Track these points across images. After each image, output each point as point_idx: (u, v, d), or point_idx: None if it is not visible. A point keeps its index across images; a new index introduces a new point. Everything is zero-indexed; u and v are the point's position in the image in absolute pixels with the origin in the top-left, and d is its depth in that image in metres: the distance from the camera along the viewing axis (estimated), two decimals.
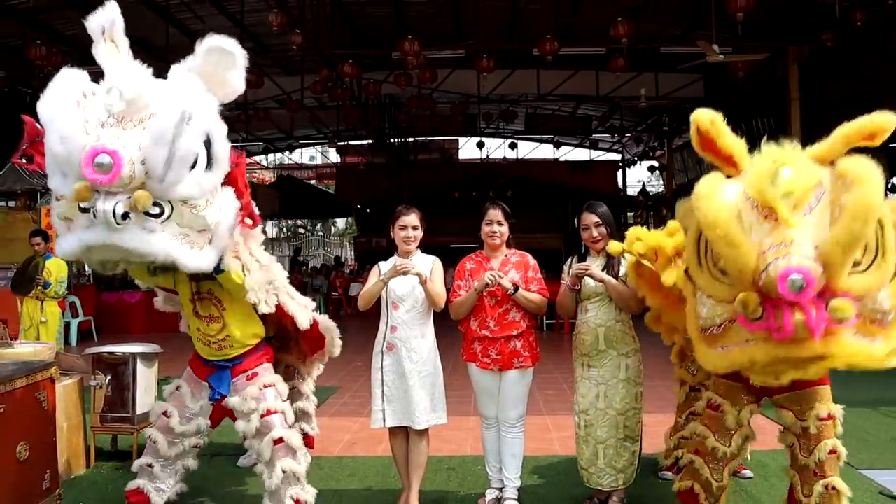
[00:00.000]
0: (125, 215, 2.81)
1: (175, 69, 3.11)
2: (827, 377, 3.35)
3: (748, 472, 4.60)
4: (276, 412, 3.80)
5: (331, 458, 5.18)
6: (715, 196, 2.64)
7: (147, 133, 2.83)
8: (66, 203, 2.97)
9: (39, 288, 7.03)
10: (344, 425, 6.13)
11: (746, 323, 2.62)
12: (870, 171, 2.48)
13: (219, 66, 3.15)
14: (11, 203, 11.91)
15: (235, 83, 3.22)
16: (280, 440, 3.75)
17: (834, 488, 3.26)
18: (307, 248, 32.59)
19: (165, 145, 2.80)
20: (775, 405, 3.43)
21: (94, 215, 2.83)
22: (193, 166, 2.94)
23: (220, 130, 3.12)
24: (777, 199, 2.51)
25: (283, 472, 3.71)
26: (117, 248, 2.92)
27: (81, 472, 4.87)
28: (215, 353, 3.83)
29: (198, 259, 3.09)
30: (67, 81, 2.95)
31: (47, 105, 2.90)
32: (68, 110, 2.84)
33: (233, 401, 3.82)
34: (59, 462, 4.41)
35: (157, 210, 2.89)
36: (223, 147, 3.12)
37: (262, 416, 3.75)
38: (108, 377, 4.90)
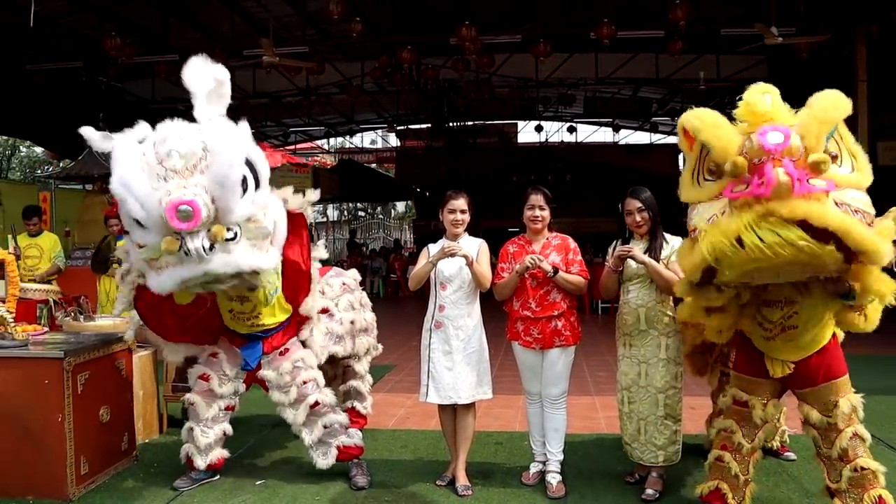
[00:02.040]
0: (211, 247, 3.32)
1: (202, 117, 3.52)
2: (844, 365, 3.44)
3: (791, 455, 4.65)
4: (310, 381, 4.17)
5: (385, 430, 5.45)
6: (706, 110, 3.04)
7: (209, 177, 3.32)
8: (151, 250, 3.47)
9: (116, 266, 7.49)
10: (399, 401, 6.40)
11: (732, 194, 2.84)
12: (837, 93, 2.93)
13: (215, 89, 3.56)
14: (89, 186, 12.54)
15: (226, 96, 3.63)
16: (316, 404, 4.13)
17: (864, 468, 3.30)
18: (367, 231, 33.04)
19: (227, 184, 3.31)
20: (799, 399, 3.49)
21: (186, 253, 3.30)
22: (246, 190, 3.40)
23: (257, 153, 3.54)
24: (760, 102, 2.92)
25: (325, 426, 4.13)
26: (209, 274, 3.42)
27: (155, 437, 5.26)
28: (250, 327, 4.16)
29: (268, 260, 3.64)
30: (128, 152, 3.39)
31: (118, 178, 3.34)
32: (137, 178, 3.31)
33: (269, 374, 4.17)
34: (136, 427, 4.81)
35: (231, 234, 3.37)
36: (264, 166, 3.56)
37: (298, 386, 4.12)
38: None
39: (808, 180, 2.69)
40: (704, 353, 4.27)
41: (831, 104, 2.88)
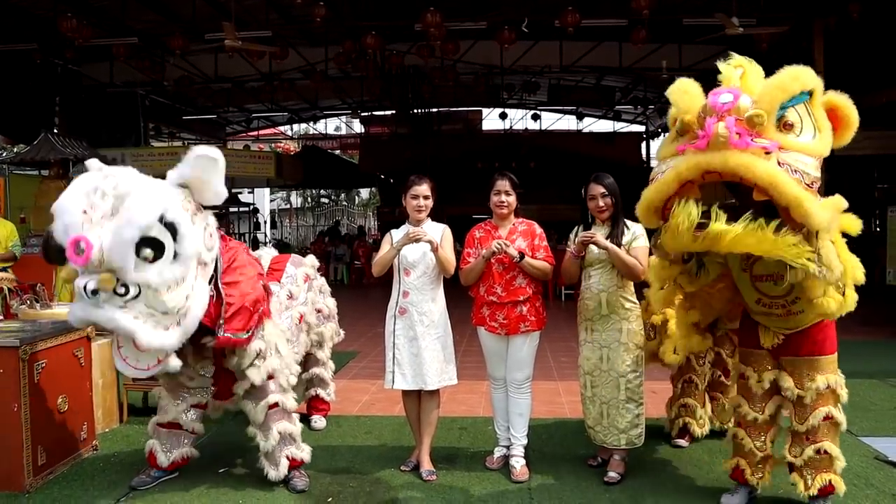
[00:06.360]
0: (94, 292, 3.23)
1: (168, 175, 3.50)
2: (833, 346, 3.48)
3: None
4: (272, 377, 4.04)
5: (349, 417, 5.45)
6: (684, 79, 3.24)
7: (109, 229, 3.26)
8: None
9: None
10: (363, 387, 6.40)
11: (680, 146, 3.00)
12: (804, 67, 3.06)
13: (204, 171, 3.48)
14: (45, 172, 12.22)
15: (218, 187, 3.54)
16: (275, 405, 4.01)
17: (826, 452, 3.38)
18: (330, 218, 32.81)
19: (122, 242, 3.22)
20: (780, 369, 3.53)
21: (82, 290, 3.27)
22: (158, 257, 3.27)
23: (188, 229, 3.39)
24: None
25: (279, 433, 3.99)
26: (92, 320, 3.36)
27: (115, 426, 5.19)
28: None
29: (160, 338, 3.38)
30: (80, 183, 3.36)
31: (61, 201, 3.33)
32: (73, 207, 3.28)
33: (233, 361, 3.97)
34: (95, 416, 4.73)
35: (122, 290, 3.26)
36: (190, 244, 3.39)
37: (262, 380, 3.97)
38: None
39: (750, 137, 2.77)
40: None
41: (792, 75, 3.00)
